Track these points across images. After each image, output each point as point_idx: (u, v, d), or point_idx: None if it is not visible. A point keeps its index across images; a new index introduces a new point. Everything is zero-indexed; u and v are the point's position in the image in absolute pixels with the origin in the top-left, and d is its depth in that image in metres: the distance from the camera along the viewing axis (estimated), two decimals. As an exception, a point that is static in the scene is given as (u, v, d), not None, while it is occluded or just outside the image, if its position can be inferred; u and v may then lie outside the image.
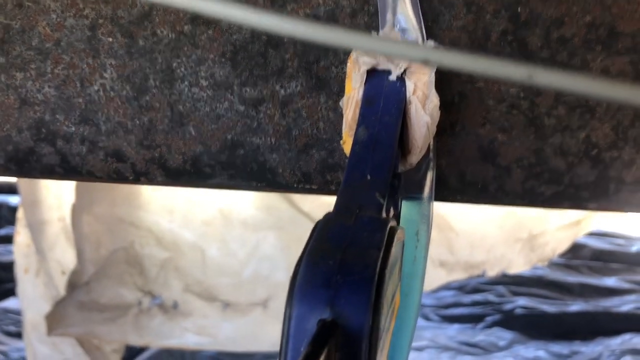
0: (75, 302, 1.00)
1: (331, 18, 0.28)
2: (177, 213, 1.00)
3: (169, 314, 0.98)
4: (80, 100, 0.32)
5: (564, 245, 1.15)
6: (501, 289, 2.27)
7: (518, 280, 2.36)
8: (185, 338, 0.98)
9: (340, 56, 0.29)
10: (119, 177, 0.33)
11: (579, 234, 1.14)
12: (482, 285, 2.35)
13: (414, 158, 0.27)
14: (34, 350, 1.20)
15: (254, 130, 0.31)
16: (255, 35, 0.30)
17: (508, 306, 2.11)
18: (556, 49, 0.27)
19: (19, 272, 1.22)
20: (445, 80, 0.28)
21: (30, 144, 0.34)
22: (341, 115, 0.28)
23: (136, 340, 0.99)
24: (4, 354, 1.61)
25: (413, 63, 0.25)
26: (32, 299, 1.20)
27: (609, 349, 1.86)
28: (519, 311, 2.06)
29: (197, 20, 0.30)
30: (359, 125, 0.25)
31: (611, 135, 0.27)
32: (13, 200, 2.18)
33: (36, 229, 1.14)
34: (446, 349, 1.89)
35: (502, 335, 1.94)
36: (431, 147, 0.28)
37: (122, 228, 1.01)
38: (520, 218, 1.14)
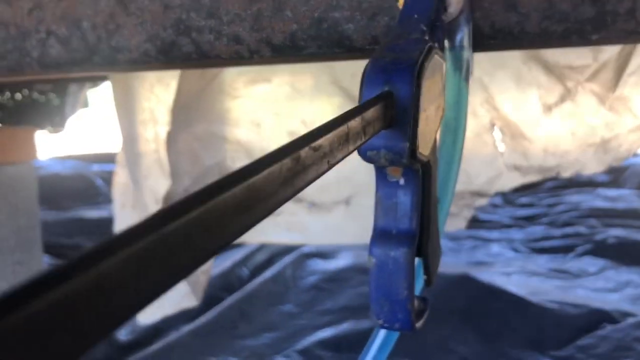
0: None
1: None
2: (264, 126, 1.14)
3: (262, 214, 1.12)
4: (207, 0, 0.44)
5: (637, 146, 1.17)
6: (593, 221, 2.25)
7: (610, 212, 2.30)
8: (278, 234, 1.14)
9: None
10: (238, 57, 0.45)
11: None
12: (574, 219, 2.30)
13: (453, 9, 0.37)
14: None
15: (334, 7, 0.42)
16: None
17: (600, 236, 2.09)
18: None
19: (117, 209, 1.29)
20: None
21: (172, 37, 0.46)
22: (398, -14, 0.38)
23: (235, 237, 1.14)
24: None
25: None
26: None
27: None
28: (611, 240, 2.04)
29: None
30: (409, -13, 0.36)
31: (606, -22, 0.36)
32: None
33: (133, 162, 1.21)
34: (535, 274, 1.88)
35: (594, 262, 1.92)
36: (467, 3, 0.38)
37: (216, 143, 1.16)
38: (592, 126, 1.16)
